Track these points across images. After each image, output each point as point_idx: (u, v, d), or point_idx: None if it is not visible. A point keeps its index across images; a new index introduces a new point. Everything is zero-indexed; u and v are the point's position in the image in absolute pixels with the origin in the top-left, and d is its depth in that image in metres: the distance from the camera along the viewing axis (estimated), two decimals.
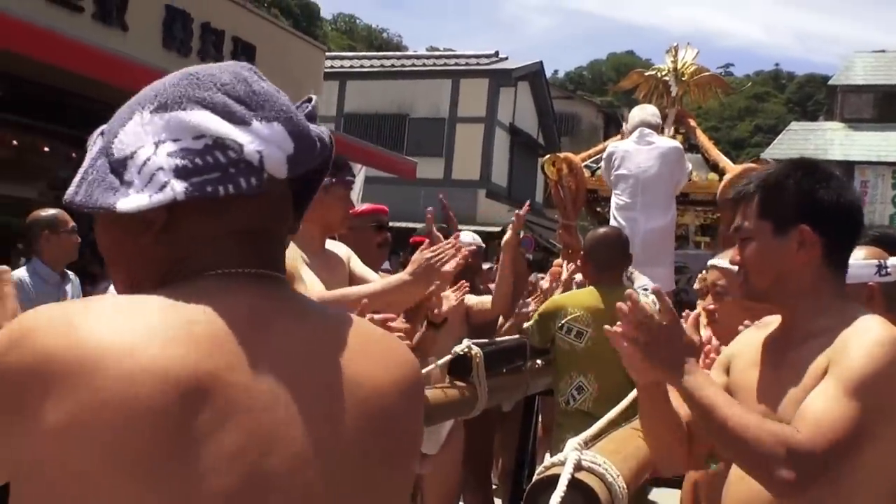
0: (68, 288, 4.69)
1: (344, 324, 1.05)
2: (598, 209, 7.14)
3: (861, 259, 2.16)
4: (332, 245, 3.14)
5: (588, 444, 2.32)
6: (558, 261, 6.77)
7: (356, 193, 10.55)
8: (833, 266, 1.85)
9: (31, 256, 4.75)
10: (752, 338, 2.02)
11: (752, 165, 6.82)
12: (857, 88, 27.15)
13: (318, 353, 0.99)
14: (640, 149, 5.50)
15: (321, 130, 1.00)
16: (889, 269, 2.23)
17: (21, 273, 4.45)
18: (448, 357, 3.84)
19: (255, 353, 0.93)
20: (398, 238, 17.91)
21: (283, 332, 0.97)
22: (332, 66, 17.86)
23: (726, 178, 6.45)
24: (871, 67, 27.04)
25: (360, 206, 4.36)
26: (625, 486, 2.16)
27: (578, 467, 2.08)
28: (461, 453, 4.53)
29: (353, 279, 3.21)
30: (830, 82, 30.05)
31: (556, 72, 58.39)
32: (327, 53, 20.46)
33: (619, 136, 6.34)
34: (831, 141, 26.13)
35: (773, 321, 1.98)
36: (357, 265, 3.28)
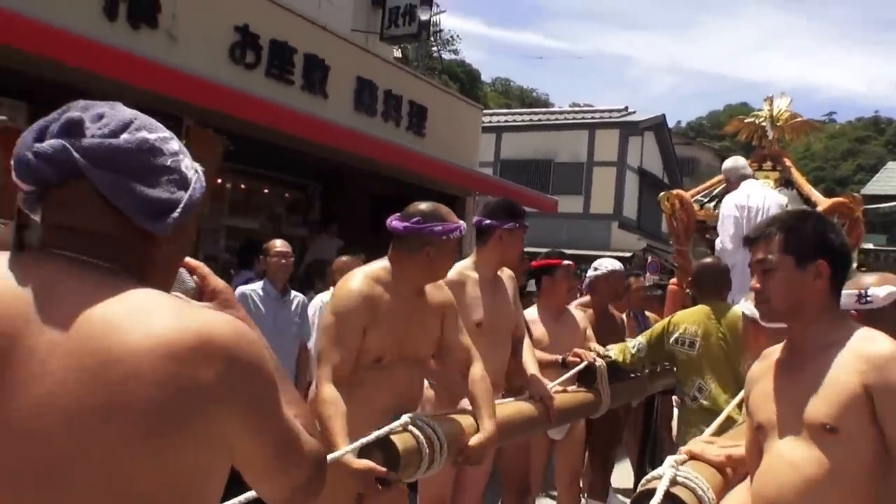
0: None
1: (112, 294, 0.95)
2: (707, 236, 6.82)
3: (846, 289, 2.23)
4: (435, 288, 2.93)
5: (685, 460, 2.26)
6: (674, 280, 6.59)
7: None
8: (836, 291, 1.98)
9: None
10: (762, 365, 2.08)
11: (841, 200, 6.42)
12: None
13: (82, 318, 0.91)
14: (761, 203, 5.16)
15: (46, 145, 0.95)
16: (870, 298, 2.33)
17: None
18: (577, 368, 3.82)
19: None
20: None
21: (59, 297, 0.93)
22: (490, 122, 18.00)
23: (818, 210, 6.13)
24: None
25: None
26: (714, 497, 2.10)
27: (674, 482, 2.05)
28: (583, 440, 4.52)
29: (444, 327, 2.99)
30: None
31: (678, 122, 56.54)
32: (485, 111, 20.67)
33: (719, 181, 6.01)
34: None
35: (773, 351, 2.06)
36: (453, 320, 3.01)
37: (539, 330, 4.23)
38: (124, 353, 0.88)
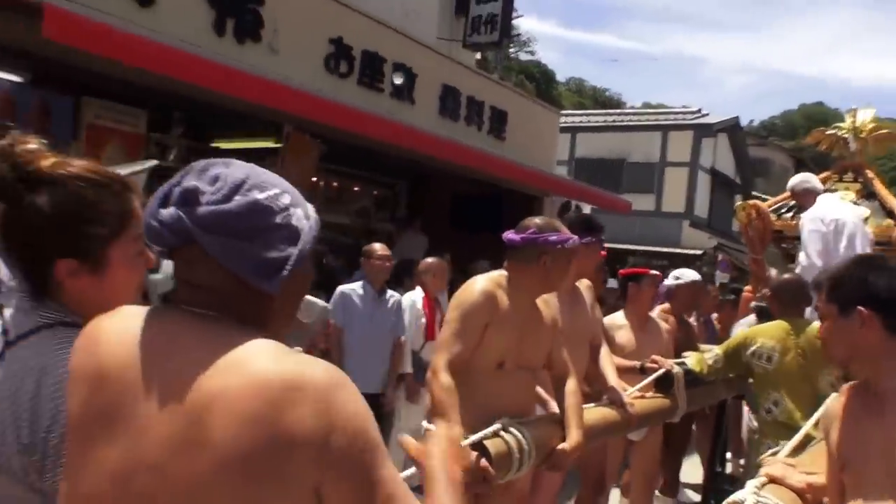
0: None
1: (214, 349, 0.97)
2: (784, 245, 6.59)
3: None
4: (544, 303, 2.96)
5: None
6: (748, 287, 6.41)
7: None
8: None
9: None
10: (841, 401, 1.99)
11: None
12: None
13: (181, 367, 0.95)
14: (843, 216, 4.92)
15: (166, 213, 0.99)
16: None
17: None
18: (655, 375, 3.77)
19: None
20: (615, 257, 17.50)
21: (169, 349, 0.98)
22: (565, 122, 17.78)
23: None
24: None
25: None
26: None
27: None
28: (660, 441, 4.51)
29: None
30: None
31: (751, 121, 54.14)
32: (562, 112, 20.44)
33: (787, 195, 5.75)
34: None
35: (851, 387, 1.99)
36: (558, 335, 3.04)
37: (624, 336, 4.25)
38: (220, 393, 0.91)
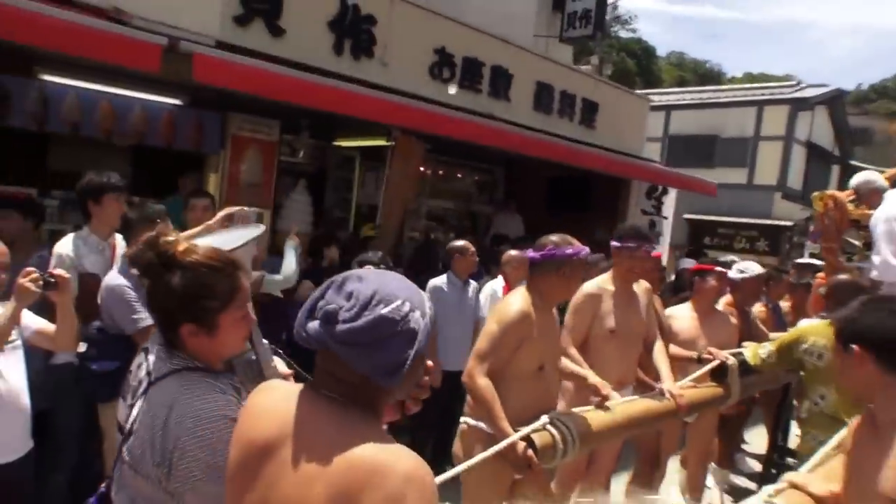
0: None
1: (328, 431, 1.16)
2: (860, 232, 6.39)
3: None
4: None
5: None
6: (821, 274, 6.28)
7: (669, 207, 10.31)
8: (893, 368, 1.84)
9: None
10: (853, 427, 2.01)
11: None
12: None
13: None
14: None
15: (311, 328, 1.18)
16: None
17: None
18: (710, 366, 3.91)
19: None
20: (705, 228, 17.24)
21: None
22: (659, 101, 17.32)
23: None
24: None
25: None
26: None
27: None
28: (715, 423, 4.58)
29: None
30: None
31: (859, 84, 49.95)
32: (656, 91, 19.83)
33: (851, 194, 5.40)
34: None
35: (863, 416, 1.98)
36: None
37: (688, 327, 4.30)
38: (329, 468, 1.11)
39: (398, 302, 1.17)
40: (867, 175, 5.30)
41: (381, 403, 1.24)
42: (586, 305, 3.55)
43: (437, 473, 1.52)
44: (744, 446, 6.32)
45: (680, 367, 4.04)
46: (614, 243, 3.67)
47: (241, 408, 1.38)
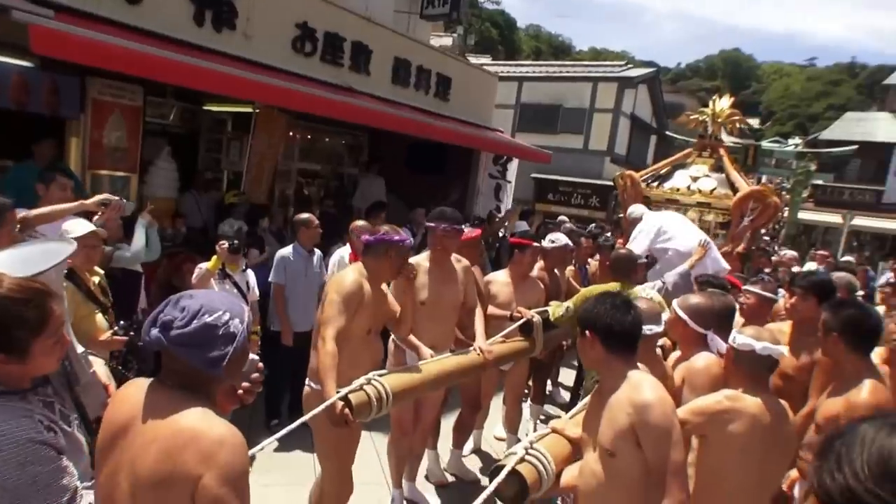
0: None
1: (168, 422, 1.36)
2: (651, 208, 6.94)
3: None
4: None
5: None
6: (620, 240, 6.71)
7: (513, 171, 10.57)
8: (615, 351, 2.16)
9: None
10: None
11: (758, 188, 6.42)
12: None
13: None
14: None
15: (153, 334, 1.38)
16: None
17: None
18: (518, 322, 4.09)
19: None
20: (550, 186, 17.71)
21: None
22: (512, 72, 17.57)
23: (738, 195, 6.19)
24: None
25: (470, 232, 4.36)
26: (553, 471, 2.23)
27: (522, 460, 2.22)
28: (526, 370, 4.85)
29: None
30: (885, 82, 25.93)
31: (679, 63, 53.23)
32: (510, 62, 20.04)
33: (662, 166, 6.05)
34: (877, 127, 22.80)
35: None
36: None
37: (505, 290, 4.41)
38: (160, 436, 1.32)
39: (219, 312, 1.40)
40: (634, 208, 6.07)
41: (213, 389, 1.44)
42: (398, 282, 3.58)
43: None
44: (561, 380, 6.70)
45: (498, 324, 4.17)
46: (428, 224, 3.69)
47: (52, 424, 1.50)
